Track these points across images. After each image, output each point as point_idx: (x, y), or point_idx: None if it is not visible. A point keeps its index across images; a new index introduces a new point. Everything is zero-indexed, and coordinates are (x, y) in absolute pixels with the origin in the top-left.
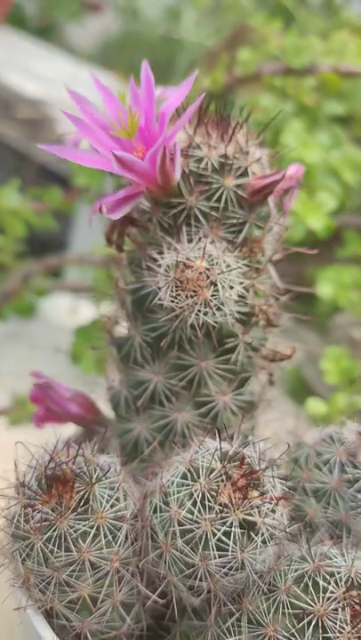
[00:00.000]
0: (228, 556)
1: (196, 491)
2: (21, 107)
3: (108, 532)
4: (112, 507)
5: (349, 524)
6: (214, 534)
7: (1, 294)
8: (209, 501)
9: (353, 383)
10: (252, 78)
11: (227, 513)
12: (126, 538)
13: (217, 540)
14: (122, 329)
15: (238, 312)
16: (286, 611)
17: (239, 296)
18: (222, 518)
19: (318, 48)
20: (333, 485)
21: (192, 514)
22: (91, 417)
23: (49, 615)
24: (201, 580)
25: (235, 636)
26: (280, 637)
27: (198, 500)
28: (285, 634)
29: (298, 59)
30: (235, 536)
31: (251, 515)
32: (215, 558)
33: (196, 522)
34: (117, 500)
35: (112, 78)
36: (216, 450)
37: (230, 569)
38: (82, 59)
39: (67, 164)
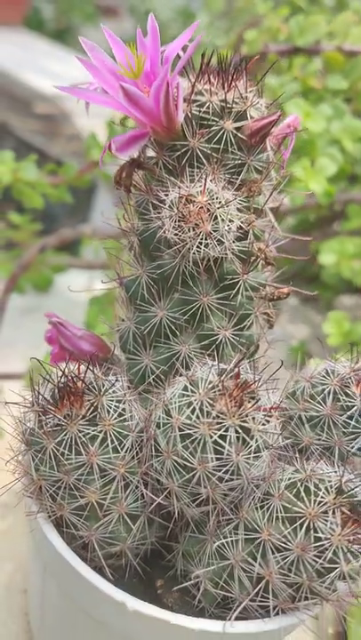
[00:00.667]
0: (224, 459)
1: (195, 400)
2: (39, 103)
3: (114, 439)
4: (119, 416)
5: (342, 449)
6: (211, 437)
7: (18, 265)
8: (207, 408)
9: (354, 345)
10: (259, 57)
11: (223, 419)
12: (132, 447)
13: (214, 443)
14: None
15: (238, 249)
16: (280, 515)
17: (239, 232)
18: (219, 423)
19: (323, 28)
20: (327, 413)
21: (190, 419)
22: (102, 355)
23: (58, 525)
24: (200, 484)
25: (233, 543)
26: (274, 540)
27: (197, 408)
28: (279, 536)
29: (302, 38)
30: (230, 440)
31: (246, 422)
32: (213, 461)
33: (194, 426)
34: (124, 410)
35: None
36: (214, 365)
37: (227, 472)
38: None
39: (82, 159)
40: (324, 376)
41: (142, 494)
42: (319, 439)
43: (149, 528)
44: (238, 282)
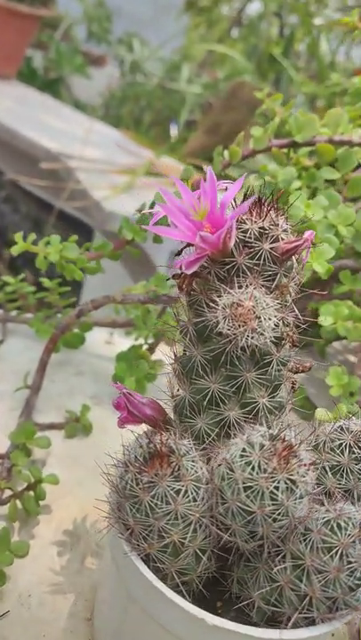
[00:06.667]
0: (277, 503)
1: (253, 460)
2: (43, 159)
3: (192, 491)
4: (195, 473)
5: (358, 491)
6: (268, 488)
7: (57, 328)
8: (264, 465)
9: (352, 395)
10: (263, 150)
11: (276, 474)
12: (203, 497)
13: (270, 493)
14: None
15: (274, 337)
16: (319, 546)
17: (275, 325)
18: (273, 477)
19: (317, 125)
20: (345, 462)
21: (251, 475)
22: (161, 418)
23: (145, 561)
24: (256, 524)
25: (282, 569)
26: (316, 565)
27: (256, 466)
28: (319, 562)
29: (300, 134)
30: (281, 489)
31: (292, 475)
32: (269, 506)
33: (254, 480)
34: (197, 469)
35: (119, 134)
36: (264, 431)
37: (279, 515)
38: (88, 110)
39: (82, 212)
40: (340, 432)
41: (209, 532)
42: (340, 484)
43: (212, 560)
44: (272, 360)
